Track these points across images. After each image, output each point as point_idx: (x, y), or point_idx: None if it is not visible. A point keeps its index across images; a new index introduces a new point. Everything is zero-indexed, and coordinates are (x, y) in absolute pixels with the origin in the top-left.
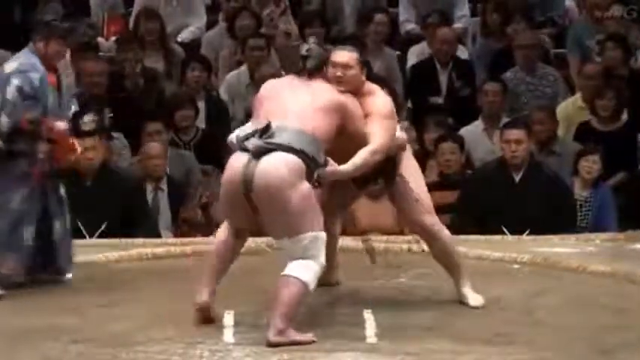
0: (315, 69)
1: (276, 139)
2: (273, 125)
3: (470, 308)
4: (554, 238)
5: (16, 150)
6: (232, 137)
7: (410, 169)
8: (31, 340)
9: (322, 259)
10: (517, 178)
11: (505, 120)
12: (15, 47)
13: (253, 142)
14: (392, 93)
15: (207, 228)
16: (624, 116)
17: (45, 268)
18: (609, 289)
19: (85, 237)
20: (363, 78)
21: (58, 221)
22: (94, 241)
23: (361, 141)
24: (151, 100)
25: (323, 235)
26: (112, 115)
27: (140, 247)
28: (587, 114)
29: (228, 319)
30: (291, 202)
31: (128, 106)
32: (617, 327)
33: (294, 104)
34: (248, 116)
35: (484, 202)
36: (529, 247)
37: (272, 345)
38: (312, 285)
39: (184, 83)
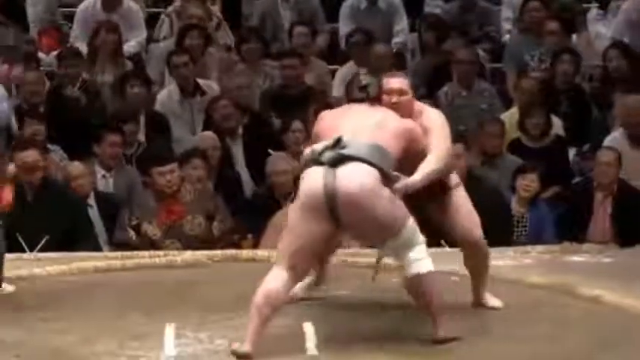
0: (375, 96)
1: (351, 150)
2: (345, 138)
3: (414, 320)
4: (492, 251)
5: None
6: (305, 154)
7: (460, 186)
8: None
9: (422, 237)
10: None
11: None
12: None
13: (328, 155)
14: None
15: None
16: (555, 130)
17: None
18: (547, 300)
19: (25, 251)
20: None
21: None
22: (35, 255)
23: (422, 158)
24: (94, 114)
25: (412, 219)
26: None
27: (81, 261)
28: None
29: (169, 331)
30: (380, 209)
31: (68, 121)
32: (557, 338)
33: (364, 122)
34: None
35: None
36: None
37: (441, 341)
38: (431, 265)
39: (125, 99)
